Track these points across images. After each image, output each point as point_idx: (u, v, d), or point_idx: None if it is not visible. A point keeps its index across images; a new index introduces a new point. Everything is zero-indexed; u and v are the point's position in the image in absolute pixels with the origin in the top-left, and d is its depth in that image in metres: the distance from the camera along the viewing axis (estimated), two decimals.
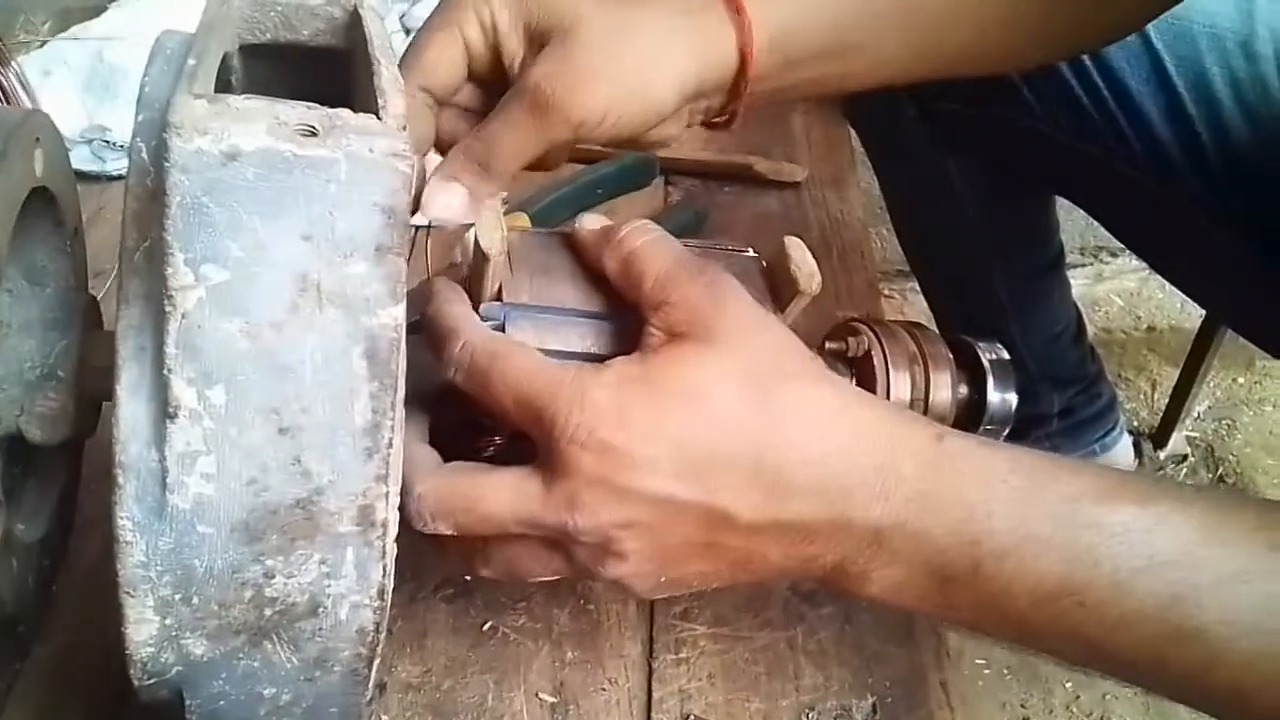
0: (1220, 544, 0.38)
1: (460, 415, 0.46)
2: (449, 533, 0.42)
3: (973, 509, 0.39)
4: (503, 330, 0.45)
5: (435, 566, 0.56)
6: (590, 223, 0.46)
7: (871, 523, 0.40)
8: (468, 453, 0.45)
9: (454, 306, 0.44)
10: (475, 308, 0.45)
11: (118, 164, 0.82)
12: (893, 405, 0.43)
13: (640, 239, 0.44)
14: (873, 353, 0.50)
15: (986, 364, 0.51)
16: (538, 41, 0.49)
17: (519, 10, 0.49)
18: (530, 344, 0.44)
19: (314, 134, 0.32)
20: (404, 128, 0.34)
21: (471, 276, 0.46)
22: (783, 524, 0.40)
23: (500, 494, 0.41)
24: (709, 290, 0.41)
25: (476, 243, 0.44)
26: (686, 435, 0.39)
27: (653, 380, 0.40)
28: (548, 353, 0.45)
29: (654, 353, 0.41)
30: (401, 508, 0.41)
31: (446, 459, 0.44)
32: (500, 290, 0.46)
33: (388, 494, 0.35)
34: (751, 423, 0.40)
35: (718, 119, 0.54)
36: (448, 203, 0.48)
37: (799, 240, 0.48)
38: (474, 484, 0.42)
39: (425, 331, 0.44)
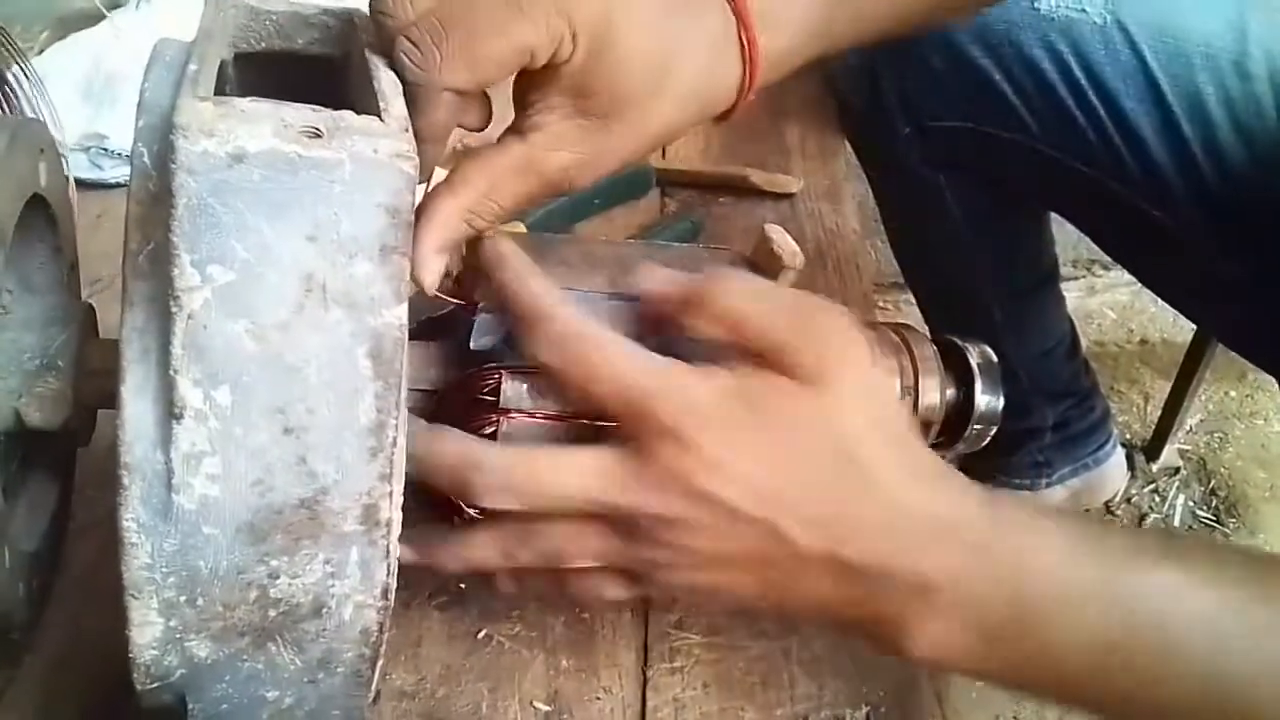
0: (1261, 602, 0.41)
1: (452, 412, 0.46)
2: (513, 507, 0.42)
3: (1020, 569, 0.40)
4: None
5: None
6: (653, 277, 0.44)
7: (921, 574, 0.41)
8: None
9: (536, 281, 0.43)
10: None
11: (115, 171, 0.82)
12: (947, 467, 0.43)
13: (733, 299, 0.43)
14: None
15: (974, 365, 0.52)
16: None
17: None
18: None
19: (319, 135, 0.33)
20: (407, 129, 0.35)
21: (465, 270, 0.46)
22: (838, 560, 0.41)
23: (578, 472, 0.41)
24: (836, 336, 0.42)
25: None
26: (774, 462, 0.41)
27: (754, 403, 0.41)
28: None
29: (752, 376, 0.41)
30: (459, 483, 0.41)
31: None
32: None
33: (391, 493, 0.35)
34: (835, 471, 0.41)
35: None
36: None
37: (777, 225, 0.49)
38: (551, 459, 0.42)
39: (501, 303, 0.43)
